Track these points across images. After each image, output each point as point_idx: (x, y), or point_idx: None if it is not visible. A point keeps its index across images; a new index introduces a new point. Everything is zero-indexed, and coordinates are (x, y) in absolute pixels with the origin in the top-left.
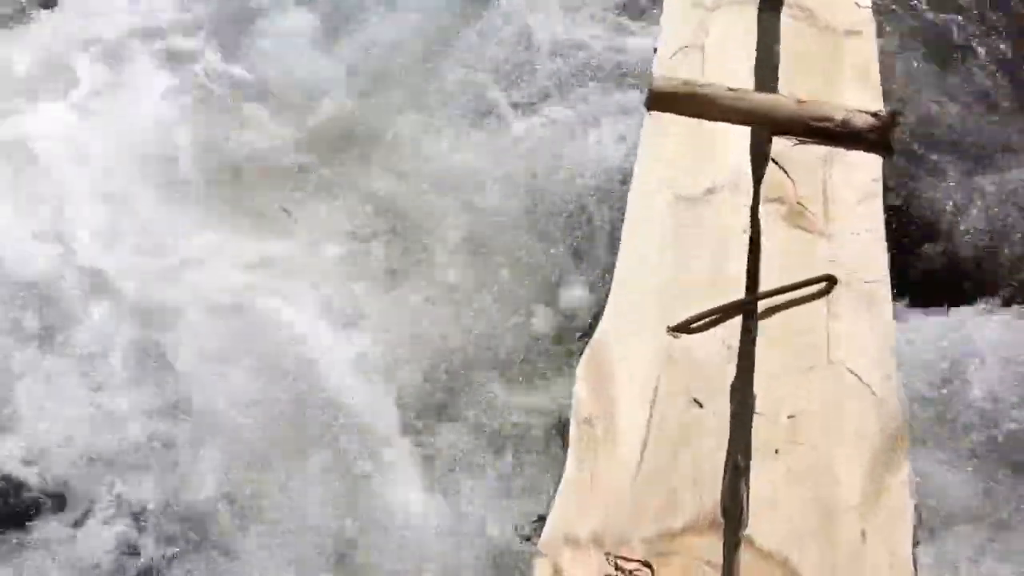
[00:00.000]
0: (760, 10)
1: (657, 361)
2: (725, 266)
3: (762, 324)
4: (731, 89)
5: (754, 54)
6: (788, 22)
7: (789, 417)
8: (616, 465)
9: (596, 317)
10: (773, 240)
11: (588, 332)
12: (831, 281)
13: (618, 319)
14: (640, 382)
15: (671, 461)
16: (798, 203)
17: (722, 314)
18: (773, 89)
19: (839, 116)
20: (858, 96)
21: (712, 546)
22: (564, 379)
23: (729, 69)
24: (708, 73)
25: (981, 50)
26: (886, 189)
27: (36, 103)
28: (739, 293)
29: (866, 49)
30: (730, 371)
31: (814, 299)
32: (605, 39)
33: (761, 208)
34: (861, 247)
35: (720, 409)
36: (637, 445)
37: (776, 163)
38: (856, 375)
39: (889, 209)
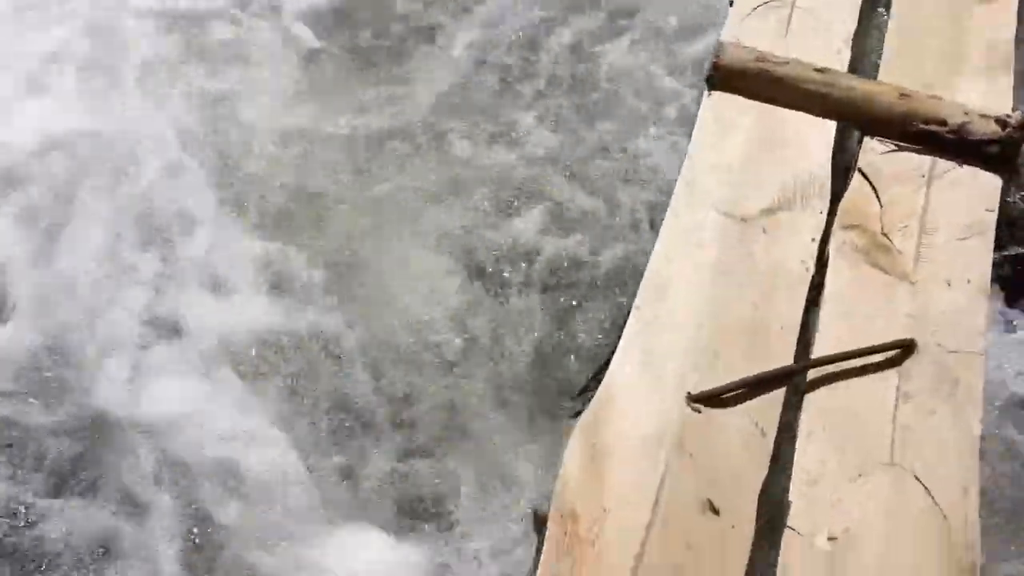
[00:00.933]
0: None
1: (669, 441)
2: (773, 316)
3: (809, 402)
4: (819, 70)
5: (856, 19)
6: None
7: (830, 539)
8: None
9: (603, 368)
10: (841, 283)
11: (591, 386)
12: (908, 348)
13: (628, 375)
14: (644, 469)
15: None
16: (882, 233)
17: (760, 385)
18: (873, 73)
19: (954, 119)
20: (982, 91)
21: None
22: None
23: (820, 39)
24: (792, 41)
25: None
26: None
27: None
28: (787, 355)
29: (1003, 22)
30: (760, 466)
31: (882, 370)
32: None
33: (833, 238)
34: (955, 303)
35: (742, 520)
36: (629, 560)
37: (863, 175)
38: (924, 486)
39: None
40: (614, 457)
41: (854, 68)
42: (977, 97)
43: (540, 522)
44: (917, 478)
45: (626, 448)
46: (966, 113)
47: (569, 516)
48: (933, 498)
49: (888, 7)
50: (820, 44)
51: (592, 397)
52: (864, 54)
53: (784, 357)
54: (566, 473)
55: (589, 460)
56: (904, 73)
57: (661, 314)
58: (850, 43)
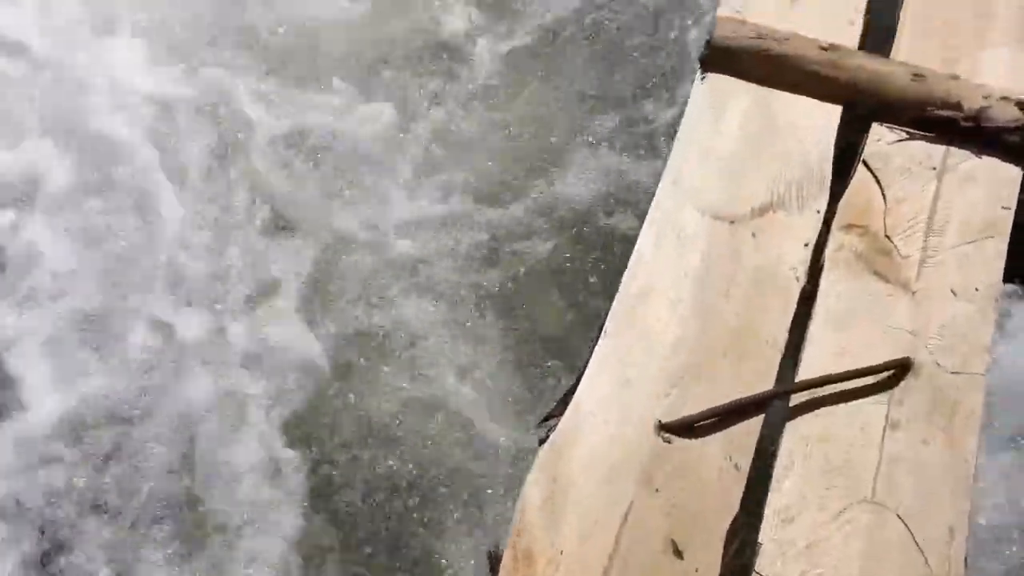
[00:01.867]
0: None
1: (634, 475)
2: (760, 331)
3: (791, 429)
4: (823, 48)
5: None
6: None
7: None
8: None
9: (570, 392)
10: (836, 293)
11: (557, 411)
12: (903, 368)
13: (596, 400)
14: (607, 507)
15: None
16: (885, 236)
17: (736, 413)
18: (886, 50)
19: (972, 103)
20: (1006, 71)
21: None
22: None
23: (828, 12)
24: (801, 10)
25: None
26: None
27: None
28: (772, 374)
29: None
30: (730, 505)
31: (873, 394)
32: None
33: (831, 240)
34: (960, 315)
35: (707, 564)
36: None
37: (868, 167)
38: (908, 528)
39: None
40: (575, 493)
41: (867, 39)
42: (1004, 72)
43: (494, 563)
44: (900, 517)
45: (589, 483)
46: (985, 96)
47: (524, 559)
48: (916, 541)
49: None
50: (828, 19)
51: (556, 425)
52: (877, 31)
53: (769, 377)
54: (523, 510)
55: (548, 497)
56: (923, 45)
57: (636, 330)
58: (863, 11)
